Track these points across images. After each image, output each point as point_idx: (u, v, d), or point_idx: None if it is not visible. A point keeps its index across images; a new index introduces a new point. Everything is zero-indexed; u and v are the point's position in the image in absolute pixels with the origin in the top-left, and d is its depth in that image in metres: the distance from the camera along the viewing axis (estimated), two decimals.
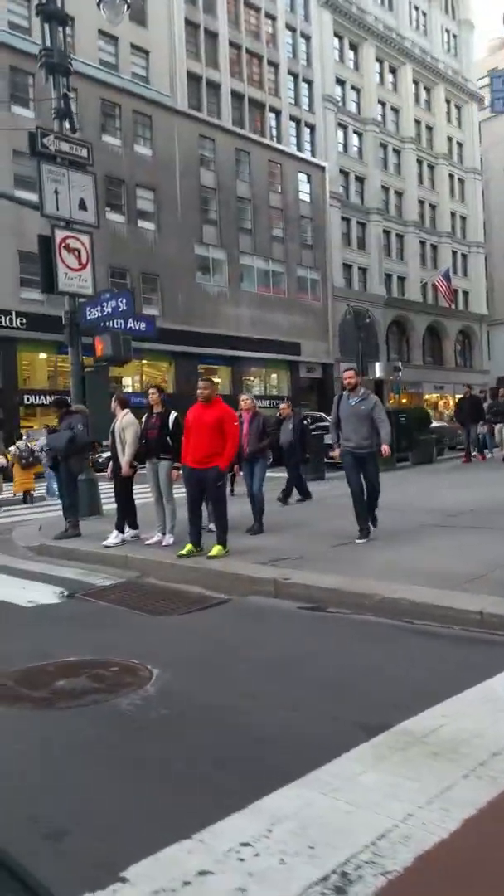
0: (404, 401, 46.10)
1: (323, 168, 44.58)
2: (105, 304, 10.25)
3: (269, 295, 41.79)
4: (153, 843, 2.18)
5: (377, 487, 7.73)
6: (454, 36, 56.99)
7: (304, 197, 43.98)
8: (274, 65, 43.29)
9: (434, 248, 53.43)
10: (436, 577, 5.50)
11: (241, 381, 40.11)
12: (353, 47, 48.17)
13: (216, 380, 37.54)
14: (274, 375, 43.24)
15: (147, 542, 8.14)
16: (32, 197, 32.55)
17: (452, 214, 55.08)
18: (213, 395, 7.43)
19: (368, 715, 3.18)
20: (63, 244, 10.55)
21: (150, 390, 8.15)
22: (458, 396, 19.97)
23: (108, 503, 11.04)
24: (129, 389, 36.17)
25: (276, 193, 42.37)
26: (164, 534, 8.13)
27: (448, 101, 55.15)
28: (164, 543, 8.00)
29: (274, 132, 43.43)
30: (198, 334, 37.00)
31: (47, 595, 6.47)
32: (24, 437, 17.40)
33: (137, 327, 11.25)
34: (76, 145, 10.86)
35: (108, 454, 8.98)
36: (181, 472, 7.83)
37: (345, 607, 5.35)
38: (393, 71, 50.89)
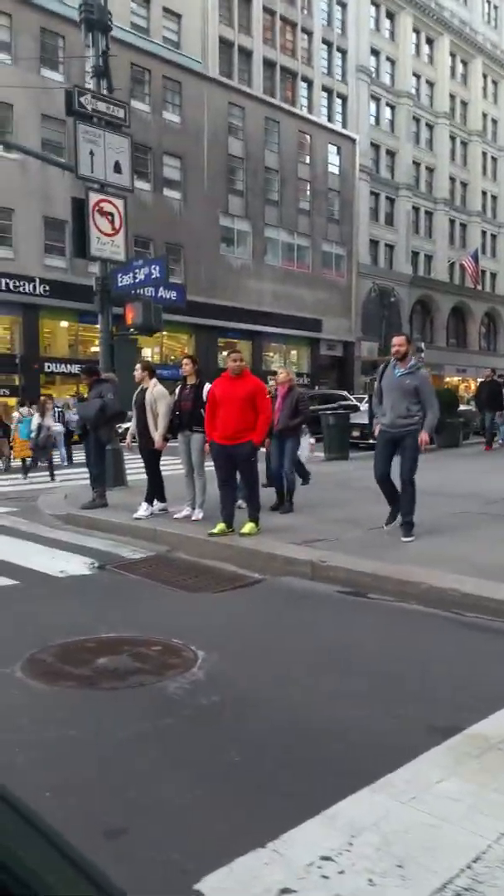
0: None
1: (354, 140, 43.64)
2: (137, 270, 10.00)
3: (292, 269, 41.20)
4: (223, 850, 2.01)
5: (408, 477, 6.62)
6: (496, 7, 55.32)
7: (333, 170, 43.14)
8: (308, 32, 42.25)
9: (463, 227, 52.43)
10: (487, 567, 5.28)
11: (262, 357, 39.74)
12: (390, 16, 46.88)
13: (186, 361, 37.51)
14: (294, 352, 42.80)
15: (175, 517, 7.97)
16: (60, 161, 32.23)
17: (483, 193, 53.93)
18: (244, 368, 7.18)
19: (434, 715, 2.99)
20: (96, 208, 10.27)
21: (184, 360, 7.91)
22: (480, 380, 19.07)
23: (132, 474, 10.91)
24: (149, 360, 35.98)
25: (304, 165, 41.58)
26: (193, 508, 7.96)
27: (485, 76, 53.73)
28: (192, 518, 7.83)
29: (305, 102, 42.54)
30: (219, 307, 36.60)
31: (78, 566, 6.34)
32: (32, 407, 15.06)
33: (168, 296, 11.03)
34: (113, 105, 10.53)
35: (128, 425, 8.75)
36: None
37: (387, 594, 5.16)
38: (430, 42, 49.56)
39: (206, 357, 33.25)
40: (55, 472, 13.02)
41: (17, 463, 14.54)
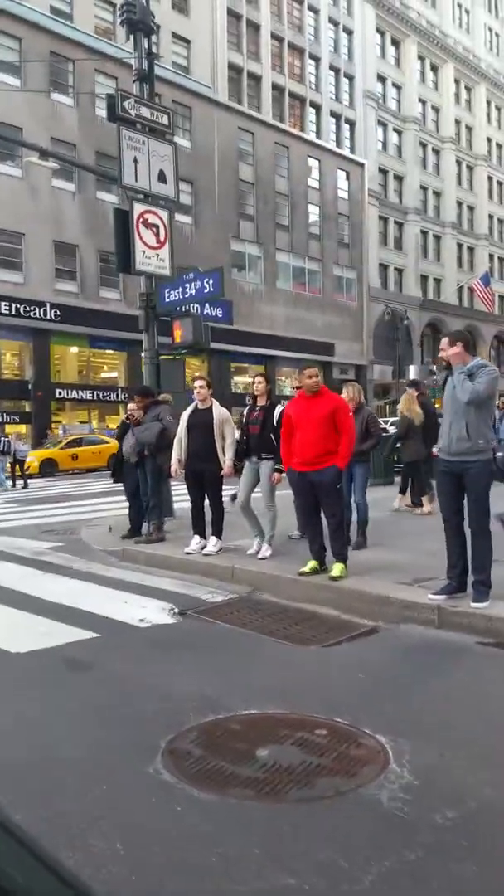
0: (438, 406, 44.98)
1: (362, 165, 43.54)
2: (188, 285, 9.28)
3: (304, 294, 40.78)
4: None
5: (481, 523, 5.05)
6: (497, 35, 55.81)
7: (343, 194, 42.96)
8: (316, 59, 42.34)
9: (471, 250, 52.25)
10: None
11: (275, 381, 39.09)
12: (395, 43, 47.13)
13: (248, 379, 36.59)
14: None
15: (248, 552, 7.09)
16: (67, 186, 31.86)
17: (490, 217, 53.89)
18: (321, 385, 6.37)
19: None
20: (141, 219, 9.60)
21: (257, 378, 7.15)
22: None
23: (178, 503, 10.10)
24: None
25: (314, 190, 41.37)
26: (260, 544, 7.10)
27: (489, 102, 54.02)
28: (259, 556, 6.97)
29: (313, 127, 42.47)
30: (231, 331, 35.89)
31: (156, 612, 5.50)
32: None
33: (214, 313, 10.29)
34: (157, 111, 9.92)
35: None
36: (283, 476, 6.87)
37: None
38: (434, 69, 49.80)
39: (218, 381, 32.60)
40: None
41: None
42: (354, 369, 42.85)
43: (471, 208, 52.38)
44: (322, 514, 6.25)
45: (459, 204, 51.15)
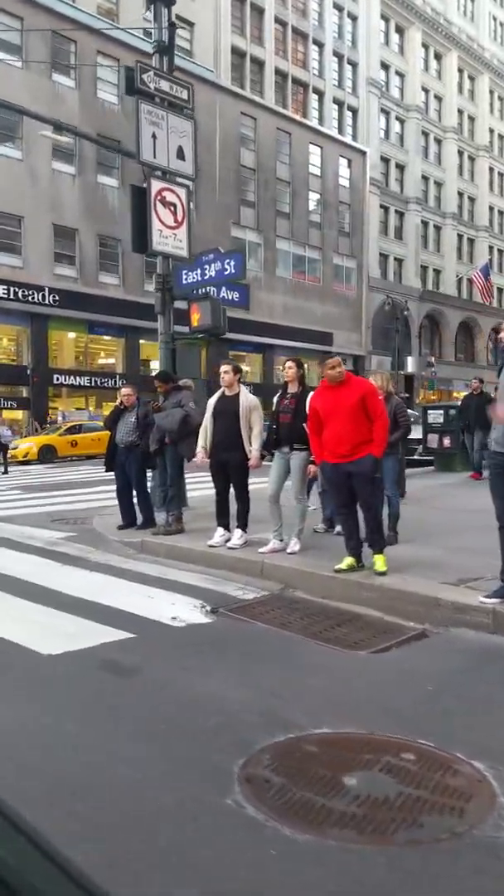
0: (434, 398, 44.75)
1: (364, 153, 43.05)
2: (207, 266, 8.91)
3: (303, 282, 40.36)
4: None
5: None
6: (502, 24, 55.26)
7: (344, 182, 42.47)
8: (319, 44, 41.74)
9: (471, 241, 51.92)
10: None
11: (272, 370, 38.73)
12: (400, 30, 46.54)
13: (245, 368, 36.12)
14: (304, 365, 41.67)
15: (261, 550, 6.73)
16: (67, 169, 31.21)
17: (491, 208, 53.54)
18: (345, 373, 5.97)
19: None
20: (159, 197, 9.20)
21: (288, 363, 6.80)
22: (467, 394, 14.98)
23: (192, 492, 9.77)
24: None
25: (315, 177, 40.86)
26: (281, 539, 6.74)
27: (492, 92, 53.54)
28: (288, 550, 6.63)
29: (316, 114, 41.91)
30: (230, 319, 35.51)
31: (186, 609, 5.17)
32: None
33: (231, 297, 9.93)
34: (177, 85, 9.50)
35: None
36: (317, 469, 6.56)
37: None
38: (438, 57, 49.26)
39: (216, 370, 32.15)
40: None
41: None
42: (353, 359, 42.51)
43: (471, 199, 52.00)
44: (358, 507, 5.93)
45: (460, 194, 50.77)
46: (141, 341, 33.25)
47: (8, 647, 4.24)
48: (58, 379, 30.92)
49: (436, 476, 14.26)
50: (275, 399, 6.95)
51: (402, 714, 3.28)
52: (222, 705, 3.32)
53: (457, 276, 49.19)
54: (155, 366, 35.83)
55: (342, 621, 5.05)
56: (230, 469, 6.97)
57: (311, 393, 6.70)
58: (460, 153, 50.78)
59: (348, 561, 5.78)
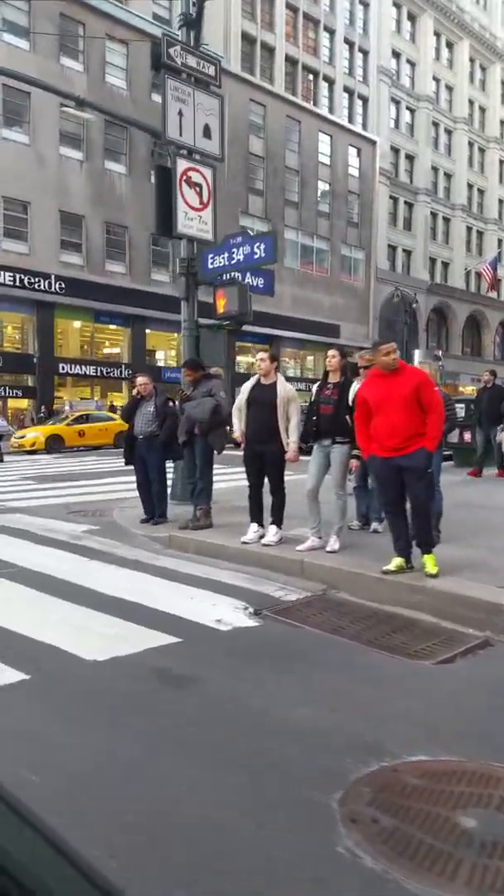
0: (444, 390, 44.34)
1: (374, 143, 42.50)
2: (234, 250, 8.54)
3: (311, 273, 39.91)
4: None
5: None
6: None
7: (353, 172, 41.94)
8: (330, 31, 41.13)
9: (480, 234, 51.42)
10: None
11: (279, 361, 38.30)
12: (411, 18, 45.90)
13: (250, 359, 35.69)
14: (310, 357, 41.41)
15: (298, 548, 6.40)
16: (75, 154, 30.73)
17: (500, 201, 53.01)
18: (399, 361, 5.60)
19: None
20: (184, 177, 8.83)
21: (330, 352, 6.44)
22: (479, 388, 14.38)
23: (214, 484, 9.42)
24: (162, 364, 34.41)
25: (324, 166, 40.35)
26: (320, 536, 6.41)
27: (503, 83, 52.85)
28: (328, 549, 6.29)
29: (326, 102, 41.35)
30: None
31: (229, 611, 4.85)
32: None
33: (256, 283, 9.56)
34: (204, 61, 9.11)
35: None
36: (359, 464, 6.25)
37: None
38: (450, 46, 48.62)
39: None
40: None
41: None
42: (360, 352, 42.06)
43: (481, 191, 51.46)
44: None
45: (470, 186, 50.23)
46: (147, 331, 32.86)
47: (48, 651, 3.92)
48: (63, 368, 30.53)
49: (455, 472, 13.91)
50: (314, 389, 6.60)
51: (493, 736, 2.96)
52: (298, 725, 3.00)
53: (465, 268, 48.73)
54: (160, 356, 35.53)
55: (397, 627, 4.73)
56: (265, 462, 6.63)
57: (355, 383, 6.39)
58: (471, 144, 50.21)
59: (397, 562, 5.45)
